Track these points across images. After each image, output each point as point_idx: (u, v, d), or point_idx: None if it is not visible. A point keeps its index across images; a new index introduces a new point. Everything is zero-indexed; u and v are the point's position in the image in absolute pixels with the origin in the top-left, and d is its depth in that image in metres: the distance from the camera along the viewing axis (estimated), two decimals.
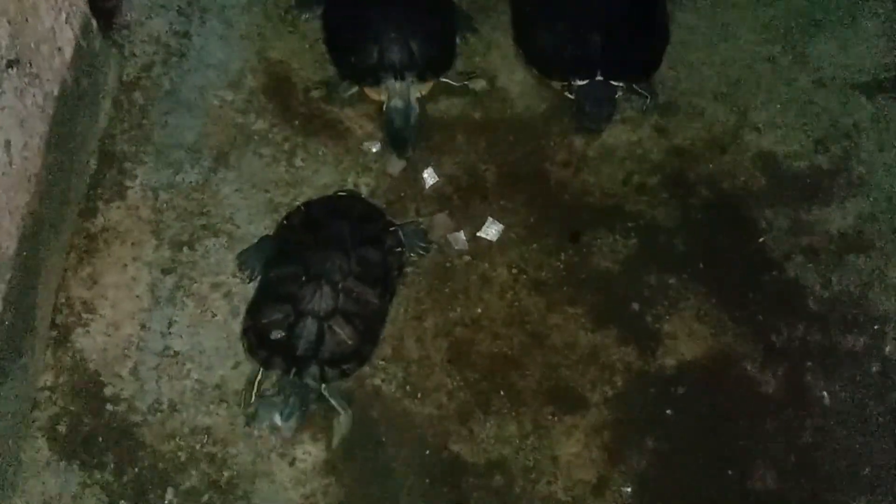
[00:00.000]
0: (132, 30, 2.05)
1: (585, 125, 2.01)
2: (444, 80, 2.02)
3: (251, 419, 1.66)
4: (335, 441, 1.67)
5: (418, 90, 1.99)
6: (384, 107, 1.97)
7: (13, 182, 1.57)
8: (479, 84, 2.05)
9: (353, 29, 2.01)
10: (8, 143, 1.55)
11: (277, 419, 1.64)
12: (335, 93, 2.00)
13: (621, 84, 2.01)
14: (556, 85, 2.05)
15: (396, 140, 1.94)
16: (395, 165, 1.96)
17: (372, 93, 2.00)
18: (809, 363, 1.79)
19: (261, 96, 2.01)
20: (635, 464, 1.69)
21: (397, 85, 1.96)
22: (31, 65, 1.63)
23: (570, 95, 2.02)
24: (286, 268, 1.74)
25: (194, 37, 2.06)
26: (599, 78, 1.99)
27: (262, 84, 2.03)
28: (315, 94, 2.02)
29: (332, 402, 1.68)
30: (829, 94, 2.09)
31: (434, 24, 2.04)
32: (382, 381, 1.74)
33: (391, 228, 1.85)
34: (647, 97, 2.03)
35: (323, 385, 1.68)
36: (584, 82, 2.00)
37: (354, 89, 2.00)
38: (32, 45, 1.64)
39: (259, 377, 1.69)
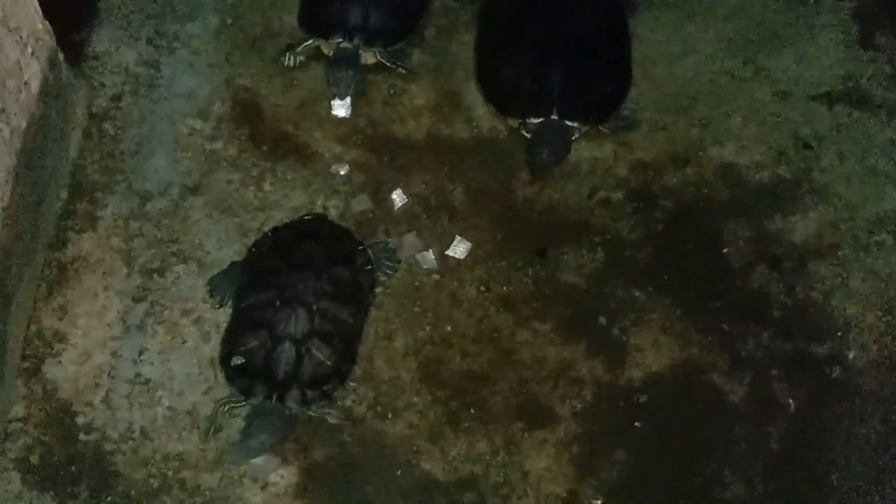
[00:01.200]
0: (101, 60, 2.07)
1: (537, 164, 2.00)
2: (381, 58, 2.09)
3: (227, 455, 1.68)
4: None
5: (365, 56, 2.08)
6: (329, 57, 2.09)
7: None
8: (410, 76, 2.11)
9: None
10: None
11: (258, 461, 1.66)
12: (294, 53, 2.08)
13: (577, 125, 2.01)
14: (513, 122, 2.05)
15: (337, 82, 2.03)
16: (339, 108, 2.05)
17: (324, 46, 2.09)
18: (774, 371, 1.82)
19: (229, 123, 2.04)
20: (605, 476, 1.71)
21: (343, 44, 2.05)
22: None
23: (525, 133, 2.02)
24: (260, 294, 1.76)
25: (163, 66, 2.09)
26: (555, 117, 1.99)
27: (230, 111, 2.05)
28: (289, 61, 2.08)
29: (330, 419, 1.71)
30: (790, 106, 2.13)
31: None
32: (353, 401, 1.76)
33: (360, 247, 1.87)
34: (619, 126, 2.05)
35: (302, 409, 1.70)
36: (539, 121, 2.00)
37: (310, 43, 2.09)
38: None
39: (224, 408, 1.70)
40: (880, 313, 1.87)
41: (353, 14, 2.07)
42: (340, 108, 2.06)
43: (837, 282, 1.91)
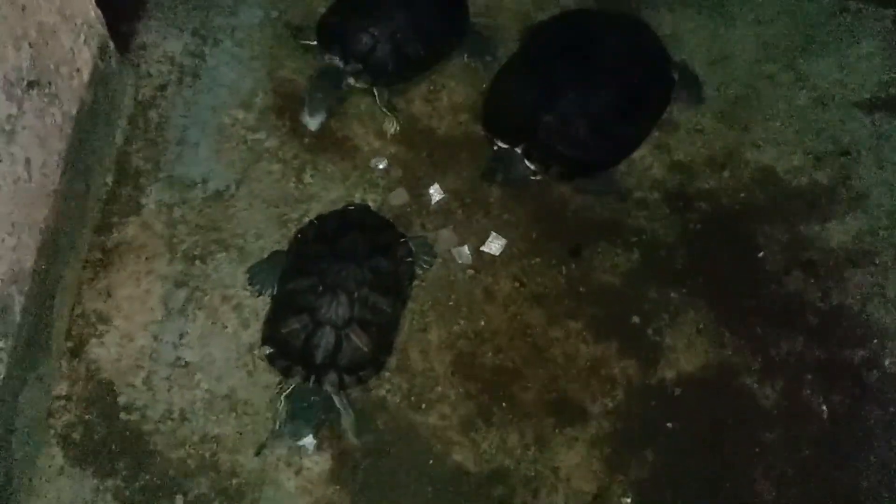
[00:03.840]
0: (148, 50, 2.12)
1: (487, 179, 2.00)
2: (375, 91, 2.06)
3: (279, 437, 1.71)
4: (353, 440, 1.72)
5: (353, 81, 2.06)
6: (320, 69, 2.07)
7: (33, 198, 1.64)
8: (390, 125, 2.06)
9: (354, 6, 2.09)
10: (28, 161, 1.61)
11: (309, 441, 1.69)
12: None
13: (535, 168, 1.99)
14: (484, 133, 2.05)
15: (311, 100, 2.03)
16: (310, 122, 2.04)
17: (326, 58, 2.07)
18: (808, 376, 1.82)
19: (271, 115, 2.07)
20: (635, 475, 1.72)
21: (336, 62, 2.04)
22: (50, 85, 1.70)
23: (493, 147, 2.02)
24: (303, 280, 1.78)
25: (208, 57, 2.13)
26: (518, 151, 1.98)
27: (272, 103, 2.09)
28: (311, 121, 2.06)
29: (338, 404, 1.73)
30: (829, 112, 2.12)
31: (419, 37, 2.05)
32: (388, 391, 1.78)
33: (401, 240, 1.90)
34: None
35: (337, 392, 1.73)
36: (503, 147, 2.00)
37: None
38: (52, 67, 1.71)
39: (285, 393, 1.73)
40: None
41: (361, 40, 2.01)
42: (310, 122, 2.04)
43: (874, 289, 1.90)
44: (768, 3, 2.28)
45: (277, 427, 1.70)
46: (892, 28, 2.24)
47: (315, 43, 2.10)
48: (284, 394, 1.73)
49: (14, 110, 1.56)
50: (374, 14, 2.03)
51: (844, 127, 2.10)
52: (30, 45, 1.61)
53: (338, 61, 2.04)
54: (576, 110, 1.94)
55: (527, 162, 1.98)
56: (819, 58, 2.20)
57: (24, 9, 1.59)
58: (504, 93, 2.05)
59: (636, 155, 2.06)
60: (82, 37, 1.83)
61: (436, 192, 2.00)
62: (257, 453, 1.70)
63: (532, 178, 2.00)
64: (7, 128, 1.53)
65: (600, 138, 1.96)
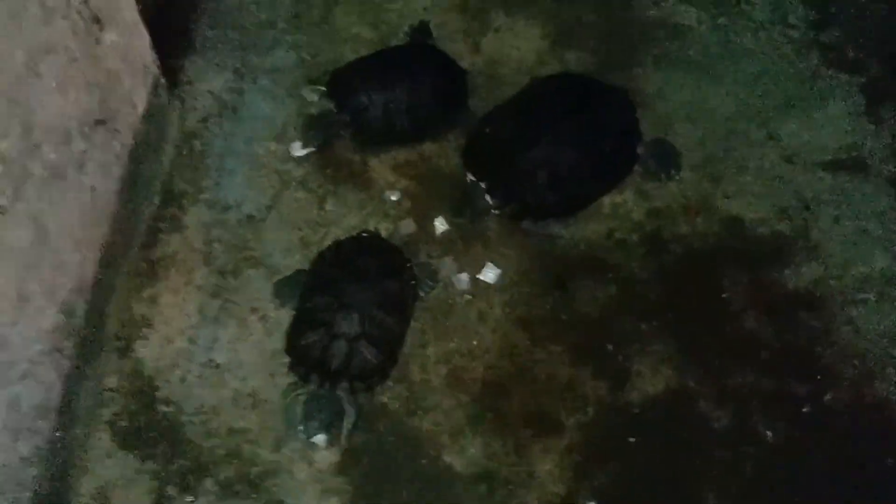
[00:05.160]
0: (194, 85, 2.39)
1: (458, 212, 2.23)
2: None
3: (297, 430, 1.96)
4: (344, 435, 1.96)
5: (342, 131, 2.33)
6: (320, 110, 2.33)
7: (95, 220, 1.91)
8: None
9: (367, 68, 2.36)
10: (93, 188, 1.89)
11: (321, 438, 1.95)
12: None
13: (494, 203, 2.21)
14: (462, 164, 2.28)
15: (305, 134, 2.30)
16: (295, 150, 2.30)
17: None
18: (757, 404, 2.07)
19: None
20: (599, 483, 1.97)
21: (331, 108, 2.32)
22: (113, 121, 1.97)
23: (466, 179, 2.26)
24: (321, 297, 2.03)
25: (246, 93, 2.40)
26: (482, 185, 2.22)
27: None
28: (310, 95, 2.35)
29: (345, 404, 1.97)
30: (796, 169, 2.37)
31: (409, 114, 2.27)
32: (388, 398, 2.05)
33: (407, 265, 2.15)
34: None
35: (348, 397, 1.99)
36: (473, 179, 2.24)
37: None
38: (114, 106, 1.97)
39: (291, 393, 1.99)
40: (857, 363, 2.11)
41: (357, 98, 2.25)
42: (297, 150, 2.30)
43: (822, 331, 2.15)
44: (749, 66, 2.53)
45: (293, 426, 1.97)
46: (858, 94, 2.48)
47: (323, 88, 2.36)
48: (295, 394, 1.99)
49: (84, 146, 1.83)
50: (378, 80, 2.28)
51: (808, 183, 2.34)
52: (99, 89, 1.88)
53: (333, 107, 2.31)
54: (542, 161, 2.18)
55: (487, 196, 2.23)
56: (790, 118, 2.44)
57: (96, 58, 1.86)
58: (484, 133, 2.29)
59: (619, 199, 2.32)
60: (140, 77, 2.11)
61: (440, 224, 2.26)
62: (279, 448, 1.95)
63: (492, 212, 2.24)
64: (79, 162, 1.81)
65: (557, 190, 2.21)
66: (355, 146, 2.33)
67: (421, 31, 2.49)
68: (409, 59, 2.38)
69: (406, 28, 2.51)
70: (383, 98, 2.27)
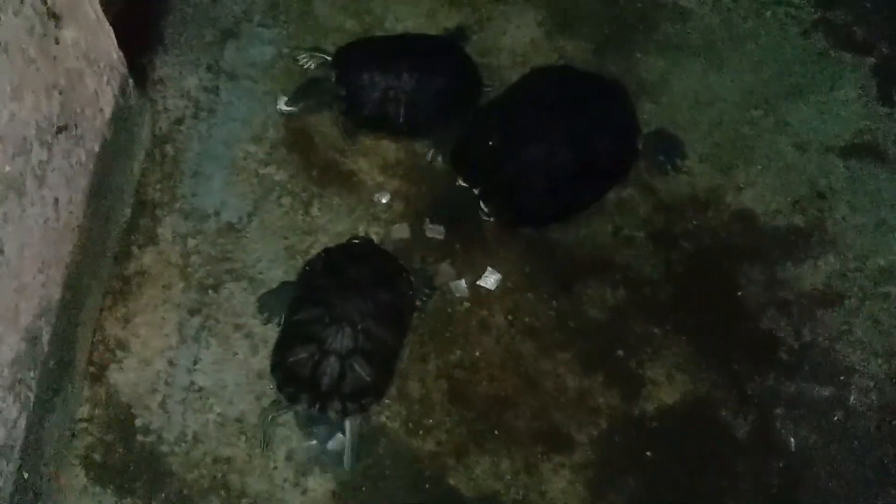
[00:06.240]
0: (165, 85, 2.23)
1: (436, 215, 2.11)
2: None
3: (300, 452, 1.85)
4: (347, 464, 1.83)
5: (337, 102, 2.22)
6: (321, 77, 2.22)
7: (60, 236, 1.75)
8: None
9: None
10: (56, 201, 1.72)
11: (330, 444, 1.84)
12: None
13: (487, 211, 2.10)
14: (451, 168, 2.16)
15: (297, 93, 2.22)
16: (283, 105, 2.22)
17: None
18: (778, 410, 1.95)
19: (282, 148, 2.19)
20: (616, 501, 1.85)
21: (332, 78, 2.21)
22: (76, 127, 1.80)
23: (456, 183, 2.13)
24: (310, 310, 1.89)
25: (222, 92, 2.24)
26: (475, 192, 2.10)
27: (282, 137, 2.20)
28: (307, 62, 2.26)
29: (345, 431, 1.84)
30: (807, 157, 2.25)
31: (401, 104, 2.15)
32: (387, 418, 1.91)
33: (402, 273, 2.01)
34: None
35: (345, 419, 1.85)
36: (465, 185, 2.11)
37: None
38: (78, 110, 1.81)
39: (269, 418, 1.86)
40: (881, 361, 2.00)
41: (360, 73, 2.14)
42: (284, 106, 2.22)
43: (843, 329, 2.04)
44: (754, 50, 2.41)
45: (265, 449, 1.84)
46: (869, 76, 2.37)
47: (327, 57, 2.24)
48: (272, 416, 1.86)
49: (45, 156, 1.66)
50: (386, 64, 2.14)
51: (821, 172, 2.23)
52: (59, 92, 1.71)
53: (333, 77, 2.18)
54: (537, 164, 2.05)
55: (481, 203, 2.09)
56: (800, 104, 2.33)
57: (55, 58, 1.69)
58: (475, 134, 2.15)
59: (624, 194, 2.19)
60: (105, 78, 1.94)
61: (435, 233, 2.11)
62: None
63: (484, 219, 2.11)
64: (39, 173, 1.64)
65: (554, 194, 2.08)
66: (343, 126, 2.20)
67: (458, 35, 2.34)
68: (429, 52, 2.23)
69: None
70: (385, 83, 2.13)
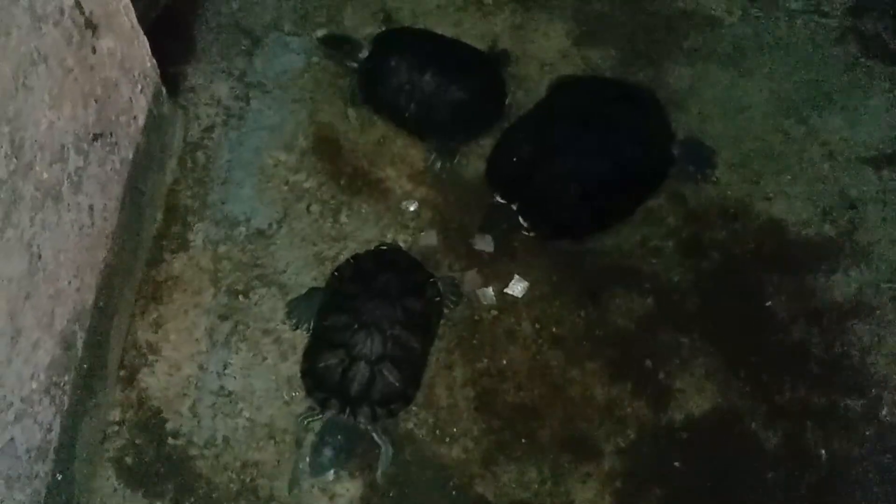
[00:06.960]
0: (197, 93, 2.26)
1: (488, 230, 2.10)
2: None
3: (298, 472, 1.84)
4: (380, 474, 1.84)
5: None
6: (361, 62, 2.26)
7: (94, 241, 1.78)
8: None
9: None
10: (91, 208, 1.75)
11: (329, 476, 1.83)
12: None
13: (527, 226, 2.09)
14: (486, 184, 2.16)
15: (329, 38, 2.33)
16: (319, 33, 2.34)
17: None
18: (809, 422, 1.93)
19: (311, 156, 2.21)
20: None
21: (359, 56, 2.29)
22: (111, 135, 1.84)
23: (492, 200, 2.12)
24: (339, 317, 1.91)
25: (252, 100, 2.26)
26: (511, 206, 2.08)
27: (312, 145, 2.22)
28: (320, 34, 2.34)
29: (377, 438, 1.85)
30: (838, 167, 2.23)
31: (424, 104, 2.17)
32: (415, 425, 1.91)
33: (430, 280, 2.02)
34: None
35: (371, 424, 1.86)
36: (500, 202, 2.10)
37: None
38: (113, 118, 1.84)
39: (304, 422, 1.87)
40: None
41: (388, 61, 2.17)
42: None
43: (875, 341, 2.01)
44: (784, 58, 2.39)
45: (304, 461, 1.84)
46: None
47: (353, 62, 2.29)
48: (308, 421, 1.87)
49: (81, 163, 1.70)
50: (417, 57, 2.17)
51: (852, 181, 2.21)
52: (95, 100, 1.74)
53: (367, 52, 2.26)
54: (573, 178, 2.05)
55: (520, 218, 2.09)
56: (830, 113, 2.30)
57: (91, 68, 1.72)
58: (508, 148, 2.15)
59: (652, 203, 2.17)
60: (139, 86, 1.97)
61: (485, 245, 2.10)
62: (290, 491, 1.83)
63: (524, 233, 2.10)
64: (75, 180, 1.67)
65: (592, 207, 2.07)
66: (356, 96, 2.24)
67: (500, 55, 2.33)
68: (463, 64, 2.23)
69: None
70: (408, 76, 2.15)
